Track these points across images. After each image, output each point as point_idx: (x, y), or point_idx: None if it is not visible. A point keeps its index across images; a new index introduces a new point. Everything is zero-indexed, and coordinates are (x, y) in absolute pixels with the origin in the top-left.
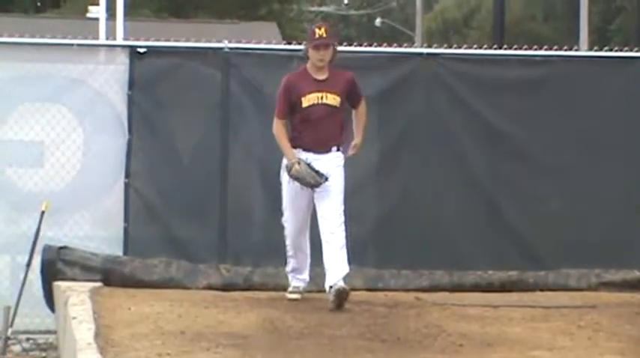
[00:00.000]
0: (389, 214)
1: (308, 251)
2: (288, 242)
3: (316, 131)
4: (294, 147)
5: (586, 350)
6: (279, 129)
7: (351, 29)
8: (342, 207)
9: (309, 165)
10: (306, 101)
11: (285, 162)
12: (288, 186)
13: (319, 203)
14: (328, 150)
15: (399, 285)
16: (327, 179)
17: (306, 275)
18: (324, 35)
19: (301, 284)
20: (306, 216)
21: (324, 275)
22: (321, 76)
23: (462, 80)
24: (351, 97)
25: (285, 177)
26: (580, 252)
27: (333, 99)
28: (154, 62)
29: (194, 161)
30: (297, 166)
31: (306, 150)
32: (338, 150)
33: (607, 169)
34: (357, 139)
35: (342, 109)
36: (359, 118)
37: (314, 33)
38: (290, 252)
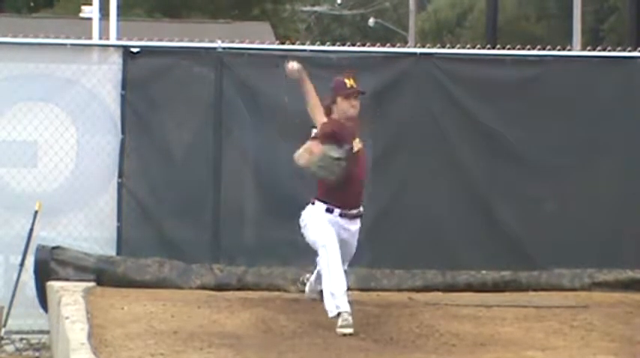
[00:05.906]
0: (382, 214)
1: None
2: (330, 262)
3: (353, 185)
4: (332, 206)
5: (579, 349)
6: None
7: (345, 29)
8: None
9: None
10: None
11: (309, 210)
12: (318, 217)
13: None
14: (358, 206)
15: (391, 285)
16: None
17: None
18: (354, 85)
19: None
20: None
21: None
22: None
23: (455, 80)
24: None
25: (310, 214)
26: (573, 252)
27: (357, 144)
28: (147, 62)
29: (187, 161)
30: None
31: (343, 207)
32: None
33: (600, 169)
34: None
35: None
36: None
37: (344, 83)
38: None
